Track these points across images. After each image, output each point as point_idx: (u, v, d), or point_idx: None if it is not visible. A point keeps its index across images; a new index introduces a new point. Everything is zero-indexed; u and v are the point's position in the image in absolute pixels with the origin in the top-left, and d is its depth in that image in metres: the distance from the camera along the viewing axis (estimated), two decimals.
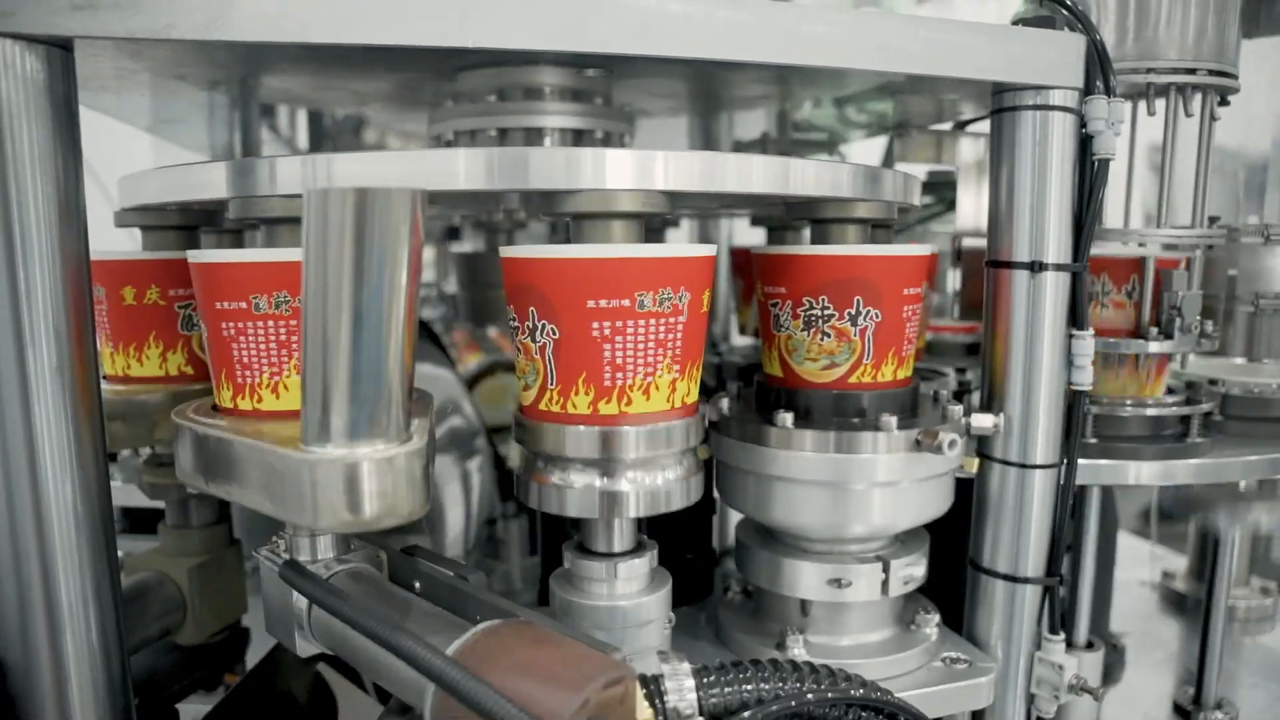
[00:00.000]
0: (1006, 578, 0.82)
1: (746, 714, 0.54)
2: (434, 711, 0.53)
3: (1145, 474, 0.87)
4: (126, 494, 0.95)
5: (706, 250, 0.67)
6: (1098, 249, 0.85)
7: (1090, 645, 0.94)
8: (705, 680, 0.55)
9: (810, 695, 0.55)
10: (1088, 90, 0.77)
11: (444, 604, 0.64)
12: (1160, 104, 0.84)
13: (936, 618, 0.82)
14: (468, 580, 0.65)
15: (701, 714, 0.54)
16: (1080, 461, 0.84)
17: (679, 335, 0.66)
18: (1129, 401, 0.90)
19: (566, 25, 0.63)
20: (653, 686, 0.54)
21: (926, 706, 0.76)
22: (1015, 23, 0.77)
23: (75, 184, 0.60)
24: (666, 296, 0.65)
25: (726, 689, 0.55)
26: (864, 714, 0.59)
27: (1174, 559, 1.57)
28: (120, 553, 0.89)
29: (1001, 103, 0.78)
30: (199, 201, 0.71)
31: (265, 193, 0.65)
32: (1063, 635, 0.81)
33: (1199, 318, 0.85)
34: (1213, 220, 0.91)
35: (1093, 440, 0.88)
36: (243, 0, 0.57)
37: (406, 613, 0.62)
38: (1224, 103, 0.88)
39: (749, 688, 0.55)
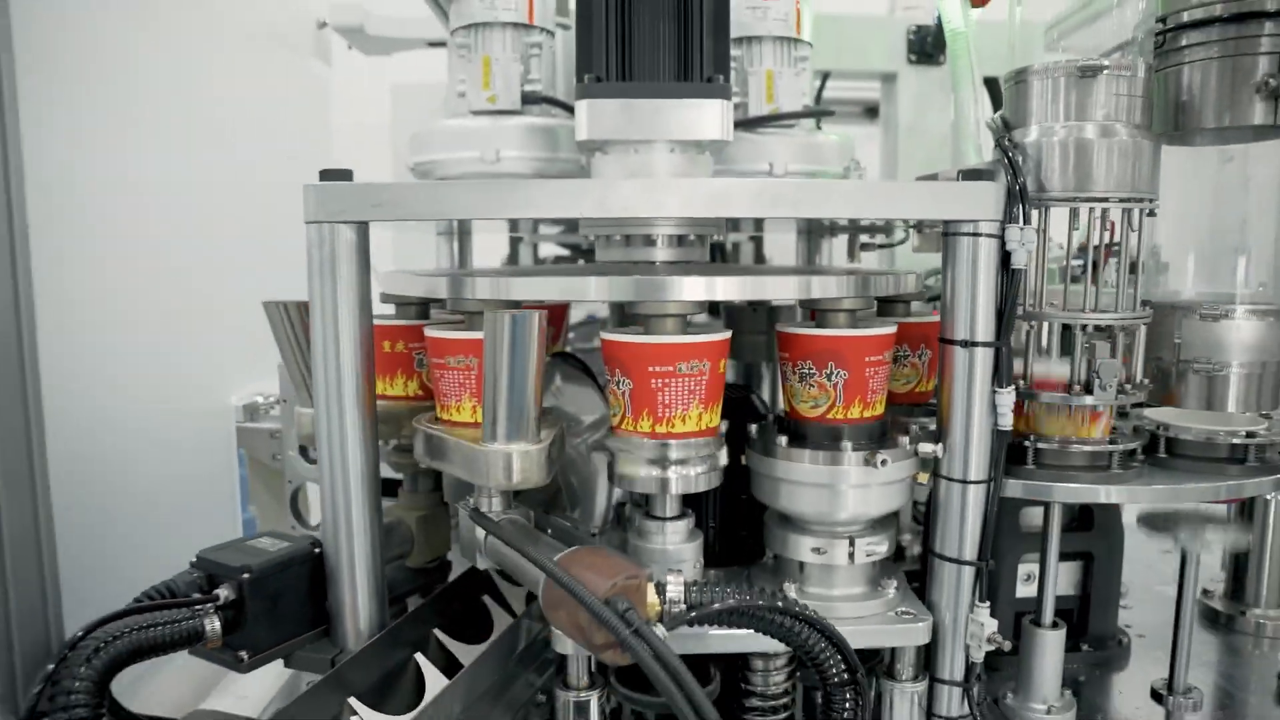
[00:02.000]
0: (951, 560, 1.15)
1: (715, 606, 0.94)
2: (544, 591, 0.97)
3: (1069, 494, 1.17)
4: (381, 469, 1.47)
5: (722, 335, 1.08)
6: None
7: (1055, 625, 1.24)
8: (692, 588, 0.96)
9: (754, 601, 0.95)
10: (1013, 218, 1.10)
11: (560, 539, 1.08)
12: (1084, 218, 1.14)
13: (895, 583, 1.17)
14: (576, 528, 1.10)
15: (684, 602, 0.94)
16: (1024, 482, 1.16)
17: (703, 386, 1.07)
18: (1073, 439, 1.20)
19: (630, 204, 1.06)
20: (660, 586, 0.96)
21: (879, 638, 1.13)
22: (959, 175, 1.11)
23: (366, 290, 1.10)
24: (694, 364, 1.06)
25: (704, 592, 0.95)
26: (796, 624, 0.97)
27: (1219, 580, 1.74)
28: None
29: (947, 229, 1.12)
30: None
31: (469, 296, 1.12)
32: (988, 602, 1.13)
33: (1116, 379, 1.14)
34: (1145, 304, 1.19)
35: (1031, 467, 1.18)
36: (448, 198, 1.05)
37: (537, 541, 1.07)
38: (1151, 214, 1.16)
39: (719, 591, 0.95)
